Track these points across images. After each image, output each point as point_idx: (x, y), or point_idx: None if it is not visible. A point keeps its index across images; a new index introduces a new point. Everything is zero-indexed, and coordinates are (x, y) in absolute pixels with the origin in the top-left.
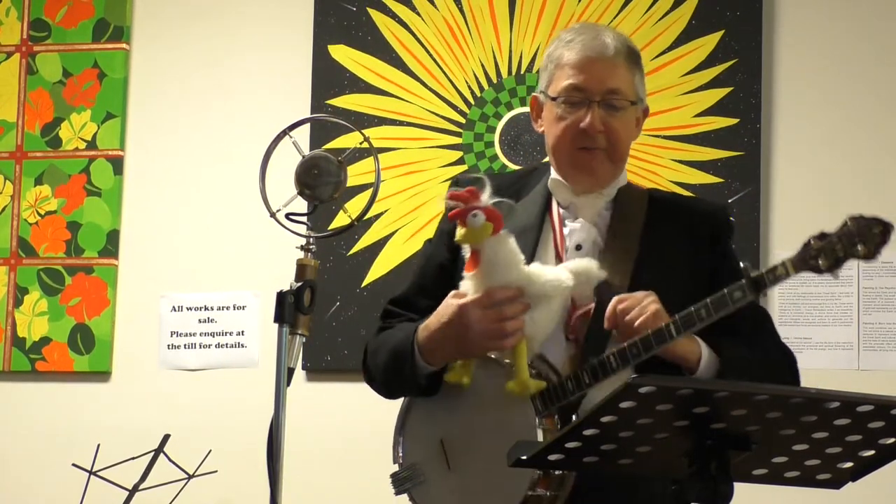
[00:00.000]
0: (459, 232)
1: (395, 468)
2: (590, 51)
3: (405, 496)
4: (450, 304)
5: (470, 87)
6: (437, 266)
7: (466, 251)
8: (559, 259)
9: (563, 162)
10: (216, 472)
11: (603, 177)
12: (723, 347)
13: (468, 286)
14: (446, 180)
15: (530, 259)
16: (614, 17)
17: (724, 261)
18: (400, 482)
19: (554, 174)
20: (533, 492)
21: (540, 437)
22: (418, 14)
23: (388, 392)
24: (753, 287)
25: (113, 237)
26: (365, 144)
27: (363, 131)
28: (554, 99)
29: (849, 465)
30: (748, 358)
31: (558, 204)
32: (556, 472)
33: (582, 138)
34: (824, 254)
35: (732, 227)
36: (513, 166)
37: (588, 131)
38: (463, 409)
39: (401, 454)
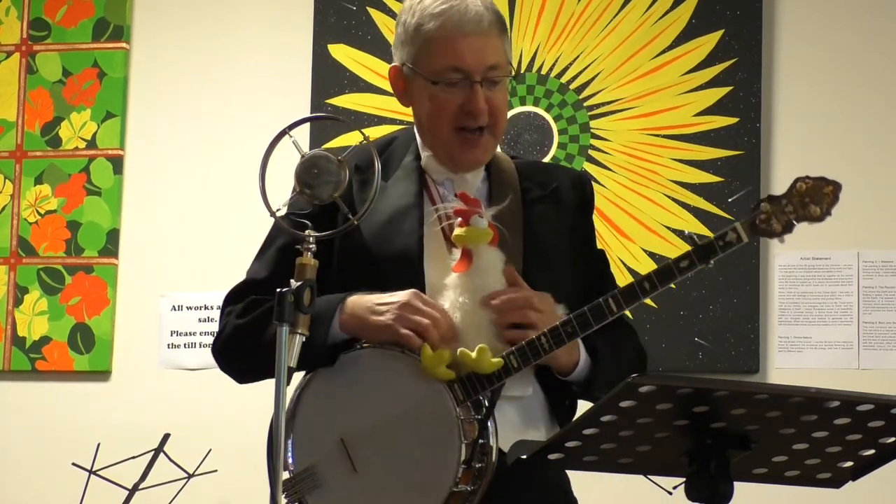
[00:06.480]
0: (459, 231)
1: (286, 476)
2: (464, 25)
3: None
4: (406, 290)
5: None
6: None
7: (457, 252)
8: (446, 237)
9: (443, 142)
10: (216, 471)
11: (487, 154)
12: (598, 353)
13: (453, 283)
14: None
15: (419, 238)
16: (614, 17)
17: (591, 235)
18: (292, 489)
19: (426, 152)
20: (456, 488)
21: (457, 429)
22: None
23: (247, 362)
24: (703, 255)
25: (113, 236)
26: (365, 143)
27: (363, 130)
28: (434, 83)
29: (849, 464)
30: (615, 365)
31: (433, 181)
32: (477, 465)
33: (464, 119)
34: (776, 217)
35: (594, 197)
36: None
37: (474, 112)
38: (364, 402)
39: (291, 459)
